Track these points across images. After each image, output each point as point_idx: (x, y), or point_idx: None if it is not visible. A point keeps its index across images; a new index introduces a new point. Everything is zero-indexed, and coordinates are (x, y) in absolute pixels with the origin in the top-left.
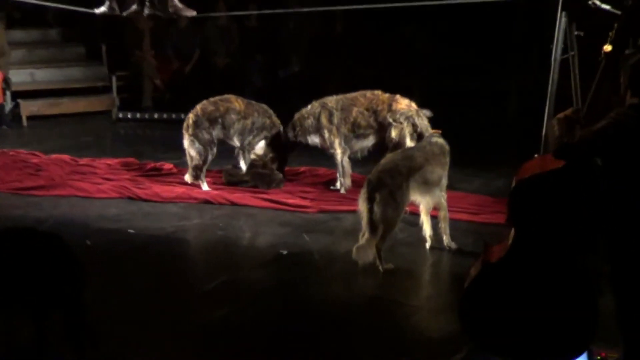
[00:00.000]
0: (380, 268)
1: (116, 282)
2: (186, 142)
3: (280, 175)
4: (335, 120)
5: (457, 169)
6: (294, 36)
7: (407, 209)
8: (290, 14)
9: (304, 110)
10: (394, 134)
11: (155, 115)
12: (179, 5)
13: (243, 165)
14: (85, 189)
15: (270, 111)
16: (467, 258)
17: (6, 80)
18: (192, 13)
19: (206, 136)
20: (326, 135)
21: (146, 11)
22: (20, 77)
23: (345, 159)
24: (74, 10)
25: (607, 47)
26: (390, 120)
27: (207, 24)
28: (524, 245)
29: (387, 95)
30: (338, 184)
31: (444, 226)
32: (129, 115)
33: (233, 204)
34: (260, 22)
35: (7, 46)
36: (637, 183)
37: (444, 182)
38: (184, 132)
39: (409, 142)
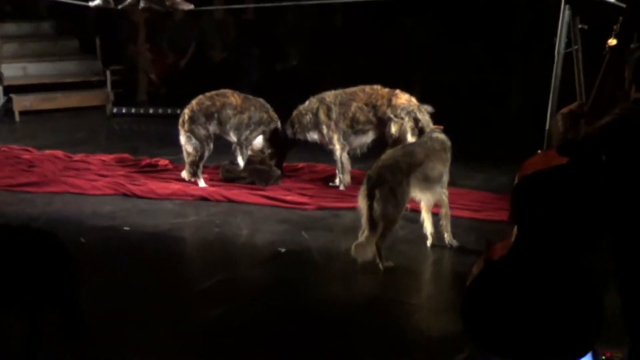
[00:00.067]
0: (380, 266)
1: (111, 281)
2: (182, 138)
3: (279, 172)
4: (334, 116)
5: (458, 165)
6: (291, 29)
7: (408, 206)
8: (288, 7)
9: (301, 107)
10: (394, 129)
11: (151, 110)
12: None
13: (240, 161)
14: (79, 186)
15: (268, 105)
16: (469, 256)
17: None
18: (189, 6)
19: (202, 132)
20: (325, 131)
21: (142, 4)
22: (12, 71)
23: (345, 155)
24: (67, 3)
25: (612, 41)
26: (391, 115)
27: (203, 17)
28: (527, 243)
29: (386, 90)
30: (337, 181)
31: (445, 223)
32: (123, 110)
33: (230, 200)
34: (258, 15)
35: None
36: None
37: (445, 178)
38: (180, 127)
39: (410, 138)
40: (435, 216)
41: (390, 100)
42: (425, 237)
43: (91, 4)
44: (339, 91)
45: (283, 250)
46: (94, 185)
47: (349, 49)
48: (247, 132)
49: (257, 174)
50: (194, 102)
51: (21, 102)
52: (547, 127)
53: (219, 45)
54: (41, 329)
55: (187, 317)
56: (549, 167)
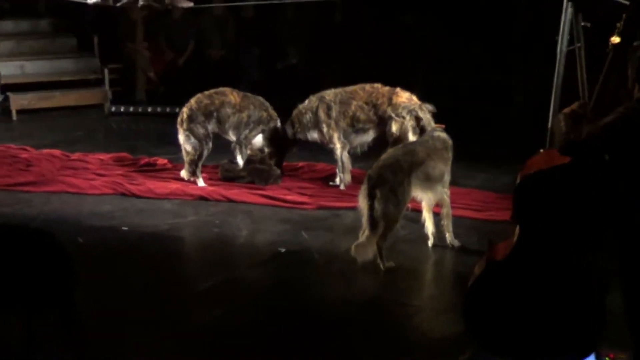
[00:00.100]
0: (381, 266)
1: (109, 281)
2: (181, 137)
3: (278, 171)
4: (334, 114)
5: (460, 165)
6: (291, 27)
7: (409, 205)
8: (287, 4)
9: (301, 106)
10: (394, 128)
11: (149, 109)
12: None
13: (240, 160)
14: (77, 185)
15: (267, 104)
16: (471, 256)
17: None
18: (188, 4)
19: (201, 130)
20: (325, 129)
21: (140, 1)
22: (9, 69)
23: (345, 154)
24: (65, 0)
25: (615, 39)
26: (392, 114)
27: (203, 15)
28: (530, 243)
29: (387, 88)
30: (337, 180)
31: (447, 223)
32: (121, 109)
33: (229, 200)
34: (257, 13)
35: None
36: None
37: (447, 177)
38: (179, 126)
39: (412, 137)
40: (437, 216)
41: (390, 98)
42: (426, 237)
43: (89, 1)
44: (339, 90)
45: (283, 250)
46: (92, 185)
47: (350, 47)
48: (247, 131)
49: (257, 173)
50: (192, 100)
51: (18, 101)
52: (549, 125)
53: (218, 43)
54: (39, 330)
55: (186, 318)
56: (552, 167)
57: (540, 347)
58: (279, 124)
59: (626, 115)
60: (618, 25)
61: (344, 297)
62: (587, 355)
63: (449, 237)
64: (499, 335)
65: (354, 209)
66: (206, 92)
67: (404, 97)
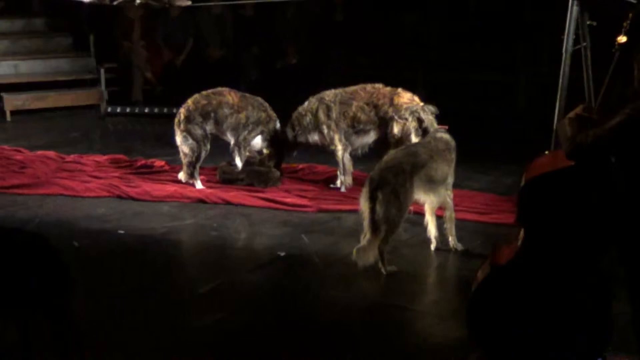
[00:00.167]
0: (382, 271)
1: (105, 285)
2: (178, 138)
3: (278, 173)
4: (334, 115)
5: (463, 166)
6: (291, 26)
7: (411, 208)
8: (287, 3)
9: (300, 108)
10: (396, 129)
11: (146, 110)
12: None
13: (238, 162)
14: (72, 188)
15: (266, 104)
16: (475, 260)
17: None
18: (186, 2)
19: (199, 131)
20: (325, 131)
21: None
22: (3, 69)
23: (347, 155)
24: None
25: (622, 38)
26: (394, 115)
27: (201, 13)
28: (534, 247)
29: (388, 88)
30: (338, 182)
31: (450, 226)
32: (118, 110)
33: (228, 203)
34: (256, 12)
35: None
36: None
37: (450, 180)
38: (176, 127)
39: (415, 139)
40: (440, 219)
41: (392, 99)
42: (429, 241)
43: None
44: (339, 90)
45: (282, 254)
46: (88, 187)
47: (350, 46)
48: (245, 132)
49: (256, 175)
50: (190, 101)
51: (12, 101)
52: (554, 127)
53: (217, 43)
54: (33, 335)
55: (184, 322)
56: (557, 169)
57: (545, 352)
58: (278, 125)
59: (632, 116)
60: (625, 24)
61: (345, 301)
62: None
63: (452, 240)
64: (503, 340)
65: (355, 211)
66: (204, 92)
67: (406, 97)
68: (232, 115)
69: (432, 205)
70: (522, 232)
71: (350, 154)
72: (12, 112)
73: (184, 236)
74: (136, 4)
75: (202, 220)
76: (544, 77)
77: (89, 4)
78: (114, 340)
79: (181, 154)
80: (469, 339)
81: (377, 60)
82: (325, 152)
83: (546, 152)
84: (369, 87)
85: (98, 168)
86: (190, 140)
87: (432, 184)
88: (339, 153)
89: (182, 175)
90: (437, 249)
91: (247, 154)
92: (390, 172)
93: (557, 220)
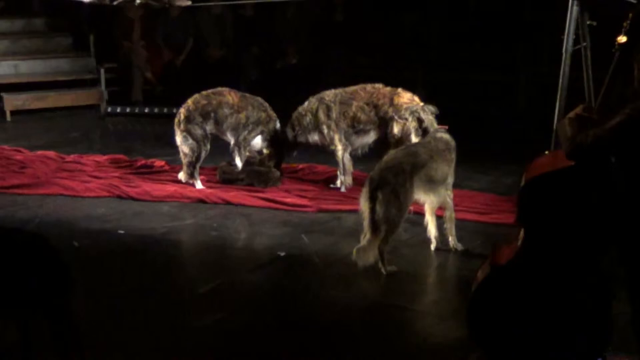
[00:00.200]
0: (382, 271)
1: (105, 286)
2: (178, 138)
3: (278, 173)
4: (334, 115)
5: (463, 166)
6: (291, 26)
7: (411, 208)
8: (287, 3)
9: (300, 108)
10: (396, 129)
11: (146, 110)
12: None
13: (238, 163)
14: (72, 188)
15: (266, 104)
16: (475, 260)
17: None
18: (186, 2)
19: (199, 131)
20: (325, 131)
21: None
22: (3, 69)
23: (347, 155)
24: None
25: (622, 38)
26: (394, 115)
27: (200, 13)
28: (535, 247)
29: (388, 88)
30: (338, 182)
31: (450, 226)
32: (118, 110)
33: (228, 203)
34: (256, 11)
35: None
36: None
37: (450, 180)
38: (176, 127)
39: (415, 139)
40: (440, 219)
41: (392, 99)
42: (429, 241)
43: None
44: (339, 90)
45: (282, 254)
46: (88, 187)
47: (351, 46)
48: (245, 133)
49: (256, 175)
50: (190, 101)
51: (12, 101)
52: (554, 127)
53: (217, 43)
54: (31, 336)
55: (184, 323)
56: (557, 169)
57: (545, 352)
58: (278, 124)
59: (632, 116)
60: (625, 24)
61: (345, 301)
62: None
63: (452, 240)
64: (503, 341)
65: (355, 211)
66: (204, 92)
67: (406, 97)
68: (232, 115)
69: (432, 205)
70: (522, 232)
71: (350, 154)
72: (12, 112)
73: (184, 236)
74: (136, 4)
75: (202, 220)
76: (543, 77)
77: (89, 3)
78: (114, 340)
79: (181, 154)
80: (469, 339)
81: (377, 60)
82: (325, 152)
83: (546, 152)
84: (369, 87)
85: (98, 168)
86: (190, 140)
87: (432, 184)
88: (339, 153)
89: (182, 175)
90: (437, 249)
91: (247, 154)
92: (390, 172)
93: (557, 220)
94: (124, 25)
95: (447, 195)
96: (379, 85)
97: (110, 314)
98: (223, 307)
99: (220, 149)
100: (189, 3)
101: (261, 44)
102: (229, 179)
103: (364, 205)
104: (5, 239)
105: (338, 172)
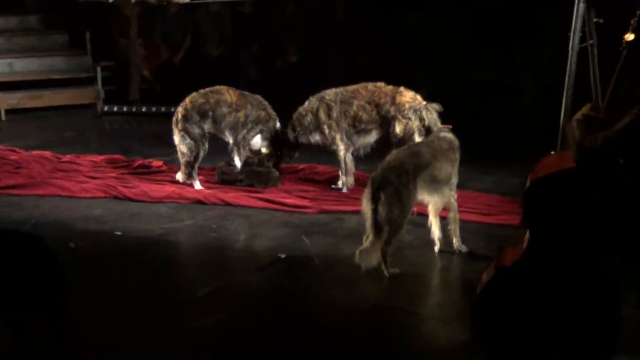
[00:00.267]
0: (385, 273)
1: (102, 287)
2: (176, 138)
3: (277, 173)
4: (335, 115)
5: (467, 166)
6: (291, 23)
7: (414, 209)
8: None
9: (301, 108)
10: (398, 129)
11: (144, 109)
12: None
13: (237, 163)
14: (68, 188)
15: (265, 103)
16: (479, 262)
17: None
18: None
19: (197, 130)
20: (326, 131)
21: None
22: None
23: (349, 155)
24: None
25: (629, 36)
26: (397, 114)
27: (199, 10)
28: (540, 249)
29: (390, 87)
30: (340, 183)
31: (454, 228)
32: (115, 109)
33: (227, 204)
34: (255, 8)
35: None
36: None
37: (454, 180)
38: (174, 127)
39: (418, 138)
40: (443, 220)
41: (394, 98)
42: (432, 243)
43: None
44: (339, 89)
45: (283, 255)
46: (84, 188)
47: (352, 44)
48: (244, 132)
49: (256, 176)
50: (187, 99)
51: (7, 100)
52: (560, 126)
53: (216, 40)
54: (28, 337)
55: (182, 325)
56: (563, 169)
57: (551, 356)
58: (278, 124)
59: None
60: (632, 21)
61: (346, 303)
62: None
63: (456, 242)
64: (508, 344)
65: (357, 212)
66: (201, 91)
67: (408, 96)
68: (230, 114)
69: (435, 206)
70: (527, 234)
71: (352, 154)
72: (7, 111)
73: (182, 238)
74: (133, 1)
75: (200, 221)
76: (549, 76)
77: (85, 0)
78: (112, 341)
79: (179, 154)
80: (473, 342)
81: (378, 60)
82: (326, 152)
83: (552, 153)
84: (370, 85)
85: (94, 168)
86: (188, 140)
87: (435, 184)
88: (341, 153)
89: (179, 176)
90: (440, 250)
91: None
92: (393, 173)
93: (563, 221)
94: (120, 23)
95: (451, 195)
96: (381, 84)
97: (109, 315)
98: (222, 309)
99: (219, 148)
100: (187, 0)
101: (260, 41)
102: (229, 179)
103: (366, 206)
104: (0, 240)
105: (340, 173)
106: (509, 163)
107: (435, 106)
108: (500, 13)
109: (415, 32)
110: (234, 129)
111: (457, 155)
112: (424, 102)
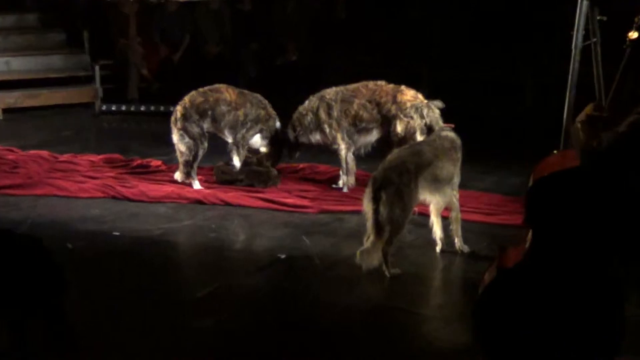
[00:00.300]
0: (386, 273)
1: (100, 288)
2: (175, 137)
3: (276, 172)
4: (335, 114)
5: (469, 166)
6: (291, 21)
7: (416, 209)
8: None
9: (301, 108)
10: (399, 128)
11: (142, 108)
12: None
13: (237, 162)
14: (66, 188)
15: (265, 102)
16: (481, 262)
17: None
18: None
19: (196, 129)
20: (327, 130)
21: None
22: None
23: (350, 154)
24: None
25: (633, 34)
26: (399, 113)
27: (198, 8)
28: (543, 249)
29: (391, 85)
30: (341, 182)
31: (456, 228)
32: (113, 108)
33: (227, 204)
34: (255, 6)
35: None
36: None
37: (456, 179)
38: (172, 126)
39: (420, 137)
40: (445, 220)
41: (395, 96)
42: (434, 243)
43: None
44: (340, 88)
45: (283, 256)
46: (82, 188)
47: (352, 42)
48: (244, 131)
49: (256, 175)
50: (186, 98)
51: (4, 99)
52: (564, 124)
53: (215, 39)
54: (26, 338)
55: (181, 326)
56: (566, 168)
57: (554, 358)
58: (277, 123)
59: None
60: (636, 19)
61: (347, 304)
62: None
63: (458, 242)
64: (510, 346)
65: (358, 212)
66: (200, 89)
67: (409, 95)
68: (229, 113)
69: (437, 206)
70: (529, 234)
71: (353, 153)
72: (4, 110)
73: (181, 238)
74: None
75: (200, 221)
76: (551, 75)
77: None
78: (111, 341)
79: (178, 153)
80: (474, 344)
81: (379, 58)
82: (327, 152)
83: (555, 152)
84: (371, 84)
85: (92, 168)
86: (187, 139)
87: (437, 183)
88: (342, 152)
89: (178, 175)
90: (442, 251)
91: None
92: (394, 172)
93: (566, 221)
94: (119, 21)
95: (452, 195)
96: (382, 83)
97: (107, 316)
98: (222, 309)
99: (218, 148)
100: None
101: (260, 40)
102: (228, 180)
103: (367, 206)
104: None
105: (340, 172)
106: (510, 163)
107: (437, 103)
108: (501, 12)
109: (416, 31)
110: (234, 128)
111: (459, 155)
112: (425, 101)
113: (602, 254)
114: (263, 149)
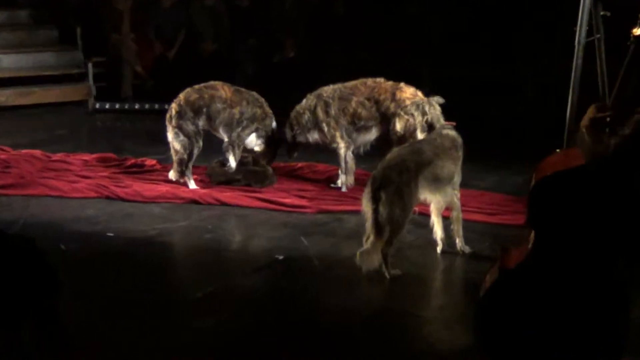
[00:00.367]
0: (386, 274)
1: (94, 290)
2: (170, 135)
3: (271, 170)
4: (332, 112)
5: (470, 165)
6: (289, 17)
7: (416, 209)
8: None
9: (298, 106)
10: (399, 126)
11: (136, 106)
12: None
13: (232, 162)
14: (59, 188)
15: (262, 100)
16: (483, 263)
17: None
18: None
19: (191, 127)
20: (325, 129)
21: None
22: None
23: (349, 153)
24: None
25: (637, 30)
26: (399, 111)
27: (193, 4)
28: (546, 250)
29: (390, 83)
30: (339, 182)
31: (457, 228)
32: (107, 106)
33: (223, 204)
34: (252, 2)
35: None
36: None
37: (457, 179)
38: (167, 123)
39: (420, 135)
40: (446, 220)
41: (394, 94)
42: (435, 243)
43: None
44: (338, 85)
45: (280, 257)
46: (75, 188)
47: (351, 39)
48: (239, 129)
49: (253, 175)
50: (181, 95)
51: None
52: (566, 122)
53: (211, 35)
54: (18, 341)
55: (176, 328)
56: (570, 168)
57: None
58: (274, 122)
59: None
60: None
61: (346, 306)
62: None
63: (459, 242)
64: (512, 348)
65: (356, 212)
66: (195, 87)
67: (409, 92)
68: (225, 110)
69: (438, 206)
70: (532, 234)
71: (352, 152)
72: None
73: (177, 239)
74: None
75: (195, 221)
76: (554, 72)
77: None
78: (106, 342)
79: (172, 151)
80: (475, 346)
81: (377, 56)
82: (326, 151)
83: (557, 151)
84: (369, 81)
85: (86, 167)
86: (182, 137)
87: (438, 183)
88: (342, 151)
89: (172, 174)
90: (443, 251)
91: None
92: (394, 171)
93: (569, 221)
94: (112, 17)
95: (454, 195)
96: (380, 80)
97: (100, 320)
98: (218, 312)
99: (215, 147)
100: None
101: (258, 36)
102: (224, 181)
103: (366, 205)
104: None
105: (339, 171)
106: (513, 161)
107: (438, 99)
108: (504, 7)
109: (415, 28)
110: (229, 126)
111: (460, 153)
112: (425, 98)
113: (606, 255)
114: (257, 149)
